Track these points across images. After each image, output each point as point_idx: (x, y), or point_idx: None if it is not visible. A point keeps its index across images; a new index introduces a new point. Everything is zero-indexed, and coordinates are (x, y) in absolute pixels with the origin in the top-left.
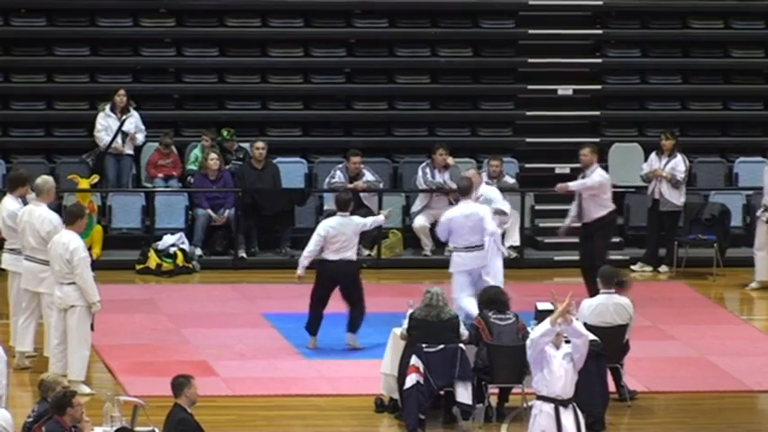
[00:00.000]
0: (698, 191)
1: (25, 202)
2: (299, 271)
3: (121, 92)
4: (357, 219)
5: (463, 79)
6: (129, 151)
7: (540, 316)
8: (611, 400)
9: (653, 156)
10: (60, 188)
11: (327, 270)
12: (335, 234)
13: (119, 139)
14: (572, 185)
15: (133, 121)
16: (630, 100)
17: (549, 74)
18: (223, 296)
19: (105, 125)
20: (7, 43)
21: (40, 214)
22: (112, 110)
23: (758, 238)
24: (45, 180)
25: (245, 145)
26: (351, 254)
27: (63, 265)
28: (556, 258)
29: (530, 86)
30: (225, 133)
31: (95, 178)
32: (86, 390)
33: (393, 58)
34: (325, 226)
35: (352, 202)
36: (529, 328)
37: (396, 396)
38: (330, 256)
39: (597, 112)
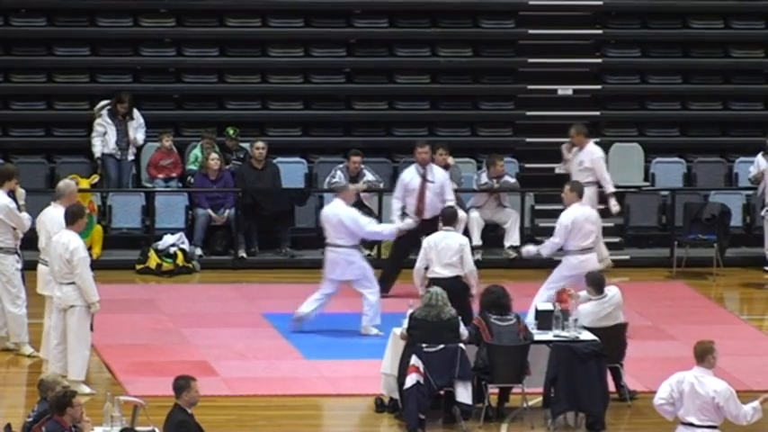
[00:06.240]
0: (698, 191)
1: (13, 197)
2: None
3: (124, 105)
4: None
5: (463, 79)
6: (131, 157)
7: (540, 316)
8: (611, 400)
9: (759, 157)
10: None
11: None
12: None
13: (116, 146)
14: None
15: (137, 126)
16: (630, 100)
17: (549, 74)
18: (223, 296)
19: (102, 131)
20: (7, 43)
21: (53, 217)
22: (112, 116)
23: None
24: (67, 184)
25: (245, 145)
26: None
27: (63, 265)
28: (556, 258)
29: (530, 86)
30: (231, 132)
31: (95, 178)
32: (86, 390)
33: (393, 58)
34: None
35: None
36: (528, 328)
37: (396, 396)
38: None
39: (597, 112)
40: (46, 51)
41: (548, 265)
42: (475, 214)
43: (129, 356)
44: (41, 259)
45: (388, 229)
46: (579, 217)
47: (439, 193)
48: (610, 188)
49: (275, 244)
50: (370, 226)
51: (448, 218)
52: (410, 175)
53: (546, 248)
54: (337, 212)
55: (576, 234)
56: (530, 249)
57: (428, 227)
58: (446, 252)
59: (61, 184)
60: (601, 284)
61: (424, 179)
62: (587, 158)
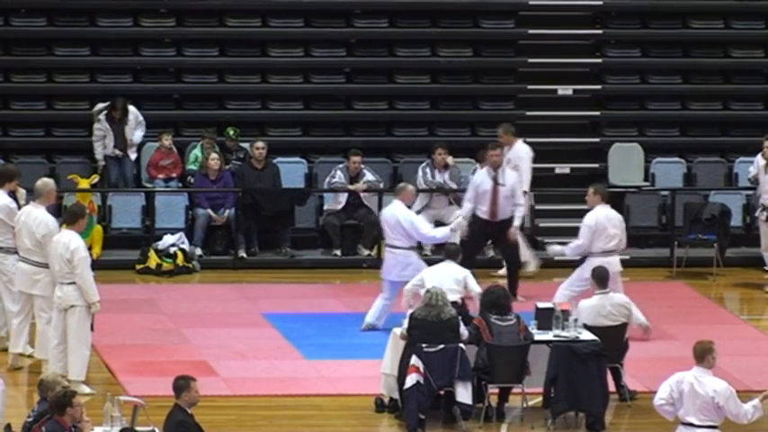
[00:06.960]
0: (698, 191)
1: (14, 197)
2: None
3: (118, 111)
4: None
5: (463, 79)
6: (133, 156)
7: (540, 315)
8: (611, 400)
9: (759, 158)
10: (60, 188)
11: None
12: None
13: (115, 149)
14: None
15: (134, 126)
16: (630, 100)
17: (549, 74)
18: (223, 296)
19: (102, 134)
20: (7, 43)
21: (36, 217)
22: (110, 121)
23: (763, 238)
24: (45, 182)
25: (245, 145)
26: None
27: (63, 265)
28: (556, 258)
29: (530, 86)
30: (231, 132)
31: (95, 178)
32: (86, 390)
33: (393, 58)
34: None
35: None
36: (528, 328)
37: (396, 396)
38: None
39: (597, 112)
40: (46, 51)
41: (548, 265)
42: None
43: (129, 356)
44: (23, 258)
45: (441, 233)
46: (602, 218)
47: (509, 197)
48: (524, 187)
49: (275, 244)
50: (425, 229)
51: (451, 253)
52: (481, 178)
53: (570, 249)
54: (395, 213)
55: (599, 236)
56: (554, 249)
57: (498, 230)
58: (448, 279)
59: (39, 182)
60: (605, 279)
61: (496, 182)
62: (515, 156)
